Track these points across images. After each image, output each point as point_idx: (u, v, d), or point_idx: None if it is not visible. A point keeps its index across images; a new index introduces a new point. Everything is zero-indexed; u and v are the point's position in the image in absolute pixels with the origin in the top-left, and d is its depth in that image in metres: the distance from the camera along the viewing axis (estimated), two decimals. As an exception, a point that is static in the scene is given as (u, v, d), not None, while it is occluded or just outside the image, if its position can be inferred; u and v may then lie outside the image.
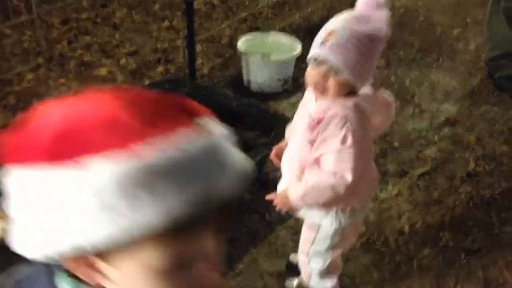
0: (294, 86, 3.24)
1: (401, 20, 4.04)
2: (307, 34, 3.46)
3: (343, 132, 1.56)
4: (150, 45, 3.71)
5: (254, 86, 3.19)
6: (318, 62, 1.56)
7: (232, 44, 3.54)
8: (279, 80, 3.16)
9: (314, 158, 1.63)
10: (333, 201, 1.64)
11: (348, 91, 1.59)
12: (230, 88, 3.23)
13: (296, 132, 1.74)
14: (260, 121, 2.55)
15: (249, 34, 3.31)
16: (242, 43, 3.20)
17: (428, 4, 4.25)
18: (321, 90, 1.60)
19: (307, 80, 1.62)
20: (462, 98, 3.28)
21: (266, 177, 2.52)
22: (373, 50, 1.53)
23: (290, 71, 3.19)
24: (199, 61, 3.37)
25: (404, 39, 3.79)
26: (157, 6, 4.22)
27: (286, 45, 3.24)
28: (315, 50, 1.56)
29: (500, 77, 3.32)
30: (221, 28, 3.72)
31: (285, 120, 2.58)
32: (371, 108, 1.60)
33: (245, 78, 3.22)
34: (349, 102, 1.58)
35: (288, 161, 1.78)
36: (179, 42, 3.71)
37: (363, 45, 1.50)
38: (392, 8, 4.10)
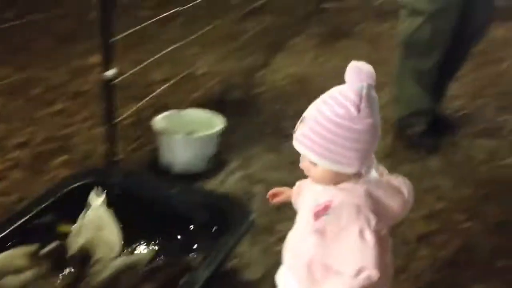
0: (219, 162, 3.03)
1: (297, 87, 4.02)
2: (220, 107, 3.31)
3: (358, 224, 1.39)
4: (41, 134, 3.31)
5: (177, 168, 2.92)
6: None
7: (142, 124, 3.27)
8: (204, 158, 2.93)
9: (328, 265, 1.45)
10: None
11: (342, 179, 1.43)
12: (149, 173, 2.94)
13: (301, 208, 1.57)
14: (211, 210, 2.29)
15: (164, 113, 3.06)
16: (158, 122, 2.94)
17: (321, 71, 4.28)
18: (312, 180, 1.48)
19: None
20: (384, 159, 3.26)
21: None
22: (343, 132, 1.35)
23: (215, 147, 2.98)
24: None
25: (308, 106, 3.75)
26: (37, 91, 3.83)
27: (205, 120, 3.04)
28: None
29: (411, 134, 3.37)
30: (127, 108, 3.41)
31: (238, 203, 2.38)
32: (385, 194, 1.44)
33: (164, 160, 2.95)
34: (360, 188, 1.43)
35: (290, 253, 1.58)
36: (75, 128, 3.36)
37: (326, 129, 1.35)
38: (284, 77, 4.17)
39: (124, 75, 2.79)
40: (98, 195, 2.31)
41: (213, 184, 2.88)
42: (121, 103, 3.09)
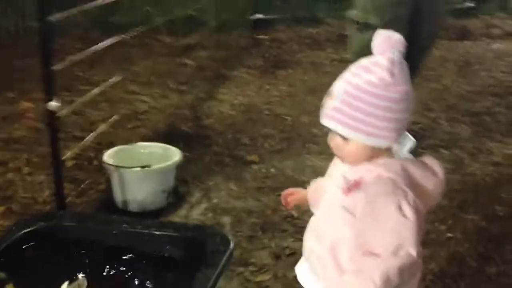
0: (179, 196, 2.80)
1: (248, 116, 3.86)
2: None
3: (395, 199, 1.24)
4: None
5: (133, 206, 2.66)
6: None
7: (88, 165, 3.00)
8: (163, 192, 2.69)
9: (358, 246, 1.26)
10: None
11: (375, 155, 1.31)
12: (105, 214, 2.66)
13: (326, 197, 1.39)
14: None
15: (115, 147, 2.81)
16: (109, 157, 2.69)
17: (268, 99, 4.15)
18: (340, 157, 1.35)
19: None
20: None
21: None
22: (377, 101, 1.25)
23: (172, 180, 2.75)
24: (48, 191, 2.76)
25: (262, 132, 3.60)
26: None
27: (160, 153, 2.81)
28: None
29: None
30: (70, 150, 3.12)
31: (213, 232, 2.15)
32: (420, 172, 1.30)
33: (119, 198, 2.68)
34: (396, 164, 1.29)
35: (313, 235, 1.40)
36: (11, 176, 3.04)
37: (359, 99, 1.25)
38: (232, 107, 4.01)
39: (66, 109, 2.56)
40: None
41: (176, 220, 2.63)
42: (63, 144, 2.85)
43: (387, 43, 1.27)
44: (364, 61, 1.30)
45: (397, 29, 3.21)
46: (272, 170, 3.13)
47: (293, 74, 4.69)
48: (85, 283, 1.83)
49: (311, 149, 3.41)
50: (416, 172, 1.29)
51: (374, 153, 1.30)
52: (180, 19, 4.69)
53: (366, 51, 3.14)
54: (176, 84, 4.35)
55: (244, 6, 5.71)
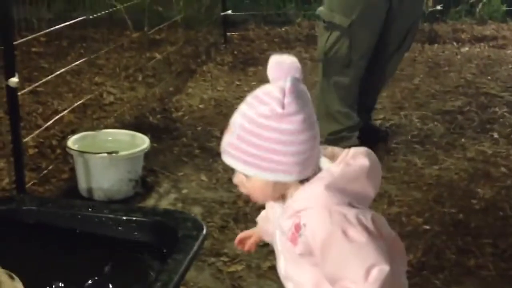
0: (147, 186, 2.67)
1: (218, 110, 3.76)
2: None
3: (336, 228, 1.13)
4: None
5: (98, 194, 2.53)
6: None
7: (51, 153, 2.84)
8: (130, 181, 2.56)
9: (336, 279, 1.16)
10: None
11: (284, 188, 1.20)
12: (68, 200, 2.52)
13: (277, 244, 1.28)
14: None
15: (79, 133, 2.67)
16: (73, 143, 2.55)
17: (238, 94, 4.06)
18: (253, 199, 1.27)
19: None
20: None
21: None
22: (272, 134, 1.14)
23: (140, 169, 2.62)
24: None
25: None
26: None
27: (127, 140, 2.69)
28: None
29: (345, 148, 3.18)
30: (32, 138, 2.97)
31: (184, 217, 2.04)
32: (348, 179, 1.18)
33: (83, 186, 2.55)
34: (318, 188, 1.16)
35: (291, 284, 1.28)
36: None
37: (254, 134, 1.14)
38: (201, 101, 3.91)
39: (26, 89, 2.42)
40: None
41: (144, 209, 2.51)
42: (25, 132, 2.70)
43: (279, 70, 1.15)
44: (258, 91, 1.18)
45: (362, 32, 3.18)
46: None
47: (263, 70, 4.52)
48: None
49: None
50: (344, 182, 1.17)
51: (282, 187, 1.19)
52: (147, 14, 4.56)
53: (331, 51, 3.10)
54: (143, 77, 4.22)
55: (213, 3, 5.61)
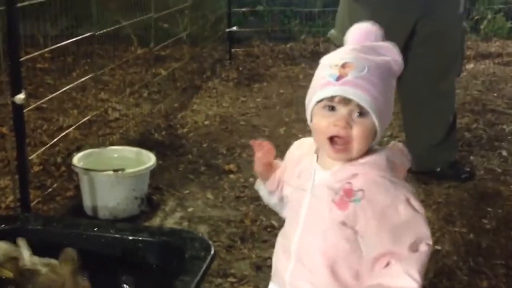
0: (153, 204, 2.64)
1: (223, 126, 3.73)
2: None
3: (400, 195, 1.14)
4: None
5: (103, 213, 2.49)
6: (335, 104, 1.15)
7: (56, 171, 2.81)
8: (136, 199, 2.52)
9: (375, 257, 1.14)
10: None
11: (370, 143, 1.19)
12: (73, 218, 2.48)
13: (305, 213, 1.23)
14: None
15: (85, 151, 2.64)
16: (78, 160, 2.52)
17: (244, 111, 4.03)
18: (344, 142, 1.16)
19: (317, 134, 1.20)
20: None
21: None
22: (392, 86, 1.20)
23: (146, 186, 2.59)
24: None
25: (239, 143, 3.46)
26: None
27: (132, 157, 2.65)
28: (327, 89, 1.15)
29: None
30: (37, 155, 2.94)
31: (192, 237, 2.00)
32: (398, 157, 1.21)
33: (88, 204, 2.51)
34: (381, 158, 1.18)
35: (299, 253, 1.23)
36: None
37: (384, 79, 1.16)
38: (207, 117, 3.88)
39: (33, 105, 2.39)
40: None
41: (149, 228, 2.47)
42: (30, 149, 2.67)
43: (369, 35, 1.21)
44: (366, 44, 1.20)
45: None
46: (251, 179, 2.98)
47: (269, 87, 4.60)
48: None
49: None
50: (396, 159, 1.20)
51: (372, 141, 1.18)
52: (152, 30, 4.56)
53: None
54: (149, 93, 4.20)
55: (218, 20, 5.61)
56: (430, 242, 1.13)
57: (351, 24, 1.24)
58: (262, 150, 1.36)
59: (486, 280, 2.25)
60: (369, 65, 1.15)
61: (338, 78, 1.14)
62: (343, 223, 1.16)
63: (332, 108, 1.16)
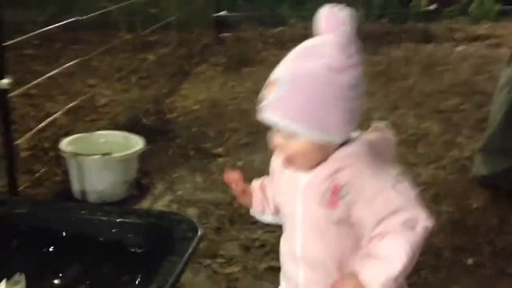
0: (142, 187, 2.65)
1: (212, 111, 3.74)
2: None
3: (388, 176, 1.13)
4: None
5: (92, 197, 2.50)
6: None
7: (44, 156, 2.81)
8: (124, 182, 2.53)
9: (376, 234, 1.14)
10: None
11: (326, 151, 1.15)
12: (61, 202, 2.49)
13: (298, 217, 1.22)
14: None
15: (73, 136, 2.63)
16: (66, 145, 2.52)
17: (233, 95, 4.03)
18: (288, 160, 1.16)
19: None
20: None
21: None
22: (335, 85, 1.09)
23: (134, 171, 2.59)
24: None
25: (228, 127, 3.47)
26: None
27: (121, 141, 2.66)
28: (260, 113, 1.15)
29: None
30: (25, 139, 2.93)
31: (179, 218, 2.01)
32: (383, 147, 1.18)
33: (76, 188, 2.52)
34: (361, 146, 1.15)
35: (305, 265, 1.24)
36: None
37: (317, 84, 1.08)
38: (196, 102, 3.88)
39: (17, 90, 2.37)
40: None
41: (138, 211, 2.48)
42: (17, 135, 2.66)
43: (333, 21, 1.11)
44: (308, 44, 1.13)
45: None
46: (239, 163, 3.01)
47: (258, 71, 4.59)
48: (23, 278, 1.66)
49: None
50: (380, 144, 1.17)
51: (324, 150, 1.13)
52: (140, 16, 4.54)
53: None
54: (137, 79, 4.19)
55: (206, 5, 5.59)
56: (427, 224, 1.13)
57: None
58: (233, 182, 1.36)
59: (471, 257, 2.28)
60: (294, 77, 1.09)
61: (266, 100, 1.13)
62: (338, 222, 1.15)
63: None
